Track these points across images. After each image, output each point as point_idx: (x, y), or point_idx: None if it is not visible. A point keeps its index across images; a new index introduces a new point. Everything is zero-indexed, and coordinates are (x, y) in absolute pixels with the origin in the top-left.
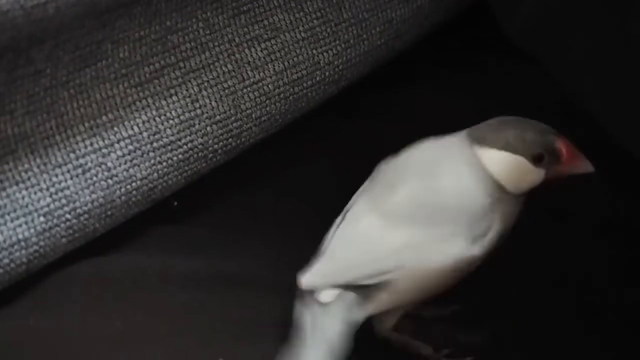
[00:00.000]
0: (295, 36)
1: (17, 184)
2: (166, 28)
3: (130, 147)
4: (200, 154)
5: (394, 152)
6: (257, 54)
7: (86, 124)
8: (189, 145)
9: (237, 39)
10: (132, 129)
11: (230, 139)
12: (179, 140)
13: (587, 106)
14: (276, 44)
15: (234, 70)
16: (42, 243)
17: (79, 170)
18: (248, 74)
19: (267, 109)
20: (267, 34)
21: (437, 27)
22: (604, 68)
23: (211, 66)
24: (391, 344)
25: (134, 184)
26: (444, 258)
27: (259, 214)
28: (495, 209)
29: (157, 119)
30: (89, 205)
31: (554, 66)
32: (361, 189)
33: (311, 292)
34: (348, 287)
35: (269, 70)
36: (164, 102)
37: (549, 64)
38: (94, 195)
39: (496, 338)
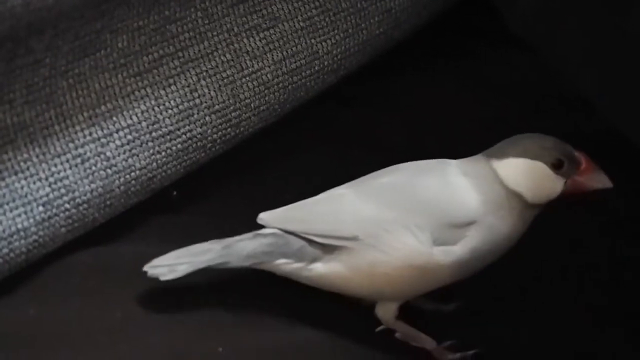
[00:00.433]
0: (294, 25)
1: (16, 173)
2: (165, 17)
3: (129, 136)
4: (199, 143)
5: (392, 140)
6: (255, 43)
7: (85, 114)
8: (188, 134)
9: (235, 29)
10: (131, 118)
11: (229, 129)
12: (178, 129)
13: (586, 94)
14: (275, 34)
15: (232, 60)
16: (41, 233)
17: (78, 160)
18: (247, 64)
19: (266, 98)
20: (265, 24)
21: (435, 16)
22: (602, 57)
23: (210, 56)
24: (395, 335)
25: (132, 174)
26: (400, 245)
27: (258, 203)
28: (480, 224)
29: (156, 108)
30: (88, 194)
31: (553, 55)
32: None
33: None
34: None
35: (267, 60)
36: (162, 92)
37: (548, 53)
38: (93, 185)
39: (495, 336)
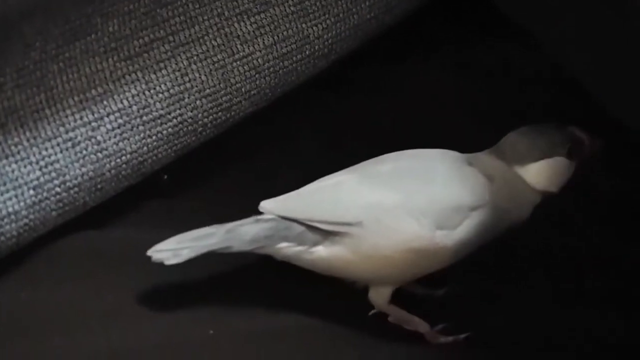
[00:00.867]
0: (285, 10)
1: (6, 157)
2: (155, 1)
3: (120, 120)
4: (189, 127)
5: (384, 126)
6: (246, 27)
7: (75, 98)
8: (179, 119)
9: (226, 13)
10: (122, 102)
11: (219, 113)
12: (169, 114)
13: (579, 78)
14: (265, 18)
15: (223, 44)
16: (32, 216)
17: (69, 144)
18: (237, 48)
19: (257, 82)
20: (256, 8)
21: (427, 1)
22: (595, 40)
23: (200, 40)
24: (387, 319)
25: (123, 158)
26: (402, 230)
27: (250, 188)
28: (485, 209)
29: (147, 92)
30: (79, 178)
31: (546, 39)
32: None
33: None
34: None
35: (258, 44)
36: (153, 76)
37: (540, 36)
38: (83, 169)
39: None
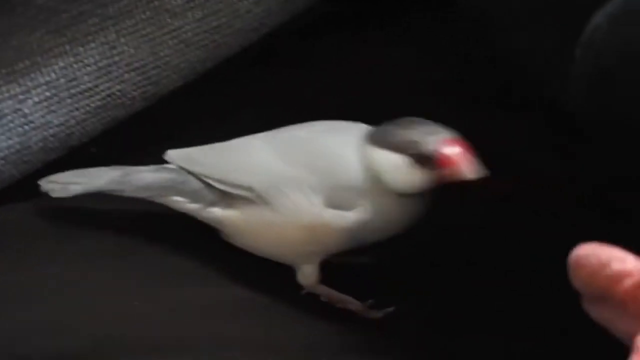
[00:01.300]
0: None
1: None
2: None
3: (47, 93)
4: (118, 100)
5: (317, 102)
6: (176, 1)
7: (2, 71)
8: (107, 92)
9: None
10: (49, 75)
11: (148, 86)
12: (97, 86)
13: (519, 58)
14: None
15: (152, 17)
16: None
17: None
18: (167, 21)
19: (186, 56)
20: None
21: None
22: (536, 19)
23: (129, 13)
24: (320, 298)
25: (50, 130)
26: (291, 204)
27: None
28: (372, 200)
29: (75, 65)
30: (5, 151)
31: (487, 18)
32: None
33: None
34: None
35: (188, 18)
36: (81, 49)
37: (482, 15)
38: (10, 142)
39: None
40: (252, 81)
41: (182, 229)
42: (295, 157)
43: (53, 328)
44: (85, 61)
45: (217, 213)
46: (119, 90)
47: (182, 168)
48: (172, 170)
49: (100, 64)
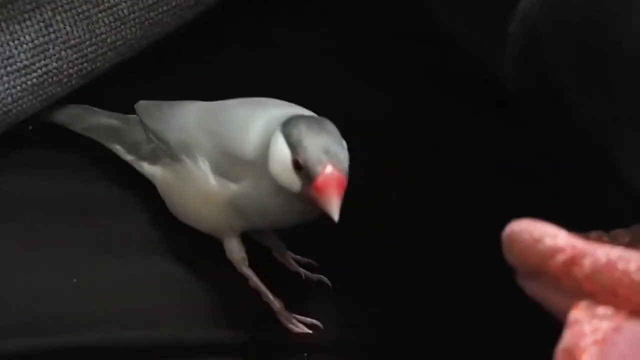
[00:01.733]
0: None
1: None
2: None
3: None
4: (54, 78)
5: (261, 78)
6: None
7: None
8: (43, 69)
9: None
10: None
11: (85, 64)
12: (33, 64)
13: (453, 36)
14: None
15: None
16: None
17: None
18: None
19: (122, 33)
20: None
21: None
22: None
23: None
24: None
25: None
26: (190, 166)
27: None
28: (256, 179)
29: (11, 43)
30: None
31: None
32: None
33: None
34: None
35: None
36: (17, 27)
37: None
38: None
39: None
40: (198, 60)
41: (121, 205)
42: (207, 122)
43: None
44: (22, 39)
45: (146, 168)
46: (55, 68)
47: (141, 120)
48: (128, 119)
49: (36, 42)
